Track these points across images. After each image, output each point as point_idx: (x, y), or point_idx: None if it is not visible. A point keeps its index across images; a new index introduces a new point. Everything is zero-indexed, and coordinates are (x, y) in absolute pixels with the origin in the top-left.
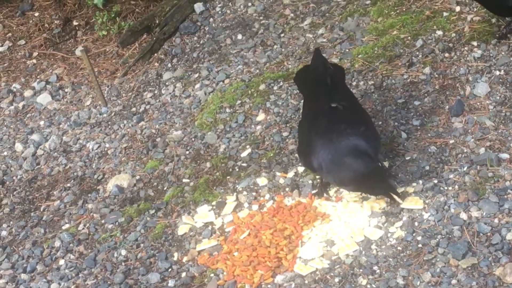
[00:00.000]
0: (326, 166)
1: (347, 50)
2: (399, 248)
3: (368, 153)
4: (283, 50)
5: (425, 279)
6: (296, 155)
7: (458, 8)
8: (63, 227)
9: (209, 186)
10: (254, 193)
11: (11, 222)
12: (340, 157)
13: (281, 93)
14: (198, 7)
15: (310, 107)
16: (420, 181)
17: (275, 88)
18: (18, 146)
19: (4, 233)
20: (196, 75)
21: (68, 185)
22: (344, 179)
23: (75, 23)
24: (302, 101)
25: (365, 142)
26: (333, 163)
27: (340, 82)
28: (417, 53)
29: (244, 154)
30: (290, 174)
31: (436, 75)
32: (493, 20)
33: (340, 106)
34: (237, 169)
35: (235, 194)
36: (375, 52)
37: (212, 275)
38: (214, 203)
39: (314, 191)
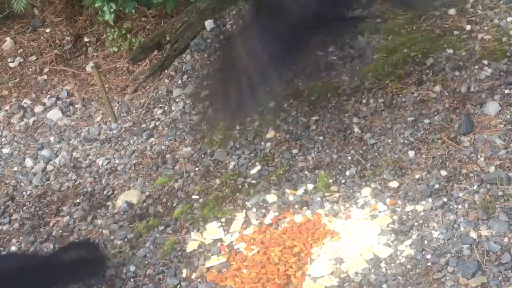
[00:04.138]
0: None
1: (357, 68)
2: (408, 266)
3: None
4: (293, 67)
5: None
6: (306, 172)
7: (468, 27)
8: None
9: (219, 203)
10: (263, 210)
11: (21, 238)
12: None
13: (291, 110)
14: (209, 24)
15: None
16: (430, 200)
17: (285, 105)
18: (28, 162)
19: (13, 248)
20: (206, 92)
21: (78, 201)
22: None
23: (86, 39)
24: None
25: None
26: None
27: None
28: (428, 71)
29: (254, 171)
30: (300, 191)
31: (447, 94)
32: (504, 39)
33: None
34: (246, 186)
35: (244, 211)
36: (385, 70)
37: None
38: (223, 219)
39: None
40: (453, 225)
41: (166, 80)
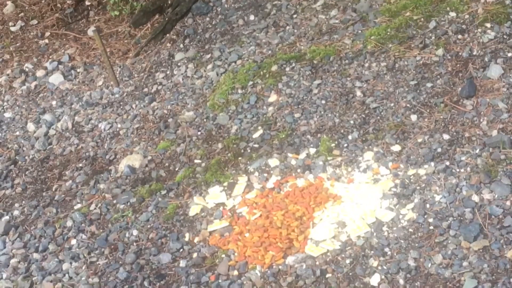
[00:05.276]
0: None
1: (360, 31)
2: (410, 230)
3: None
4: (295, 31)
5: (436, 261)
6: (308, 136)
7: None
8: (75, 207)
9: (221, 167)
10: (265, 174)
11: (23, 202)
12: None
13: (293, 74)
14: None
15: None
16: (432, 163)
17: (287, 69)
18: (30, 126)
19: (16, 212)
20: (208, 56)
21: (80, 165)
22: None
23: (87, 3)
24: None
25: None
26: None
27: None
28: (430, 34)
29: (256, 135)
30: (302, 156)
31: (449, 57)
32: (507, 2)
33: None
34: (248, 150)
35: (246, 175)
36: (388, 33)
37: (223, 255)
38: (225, 184)
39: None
40: (455, 189)
41: (168, 44)
